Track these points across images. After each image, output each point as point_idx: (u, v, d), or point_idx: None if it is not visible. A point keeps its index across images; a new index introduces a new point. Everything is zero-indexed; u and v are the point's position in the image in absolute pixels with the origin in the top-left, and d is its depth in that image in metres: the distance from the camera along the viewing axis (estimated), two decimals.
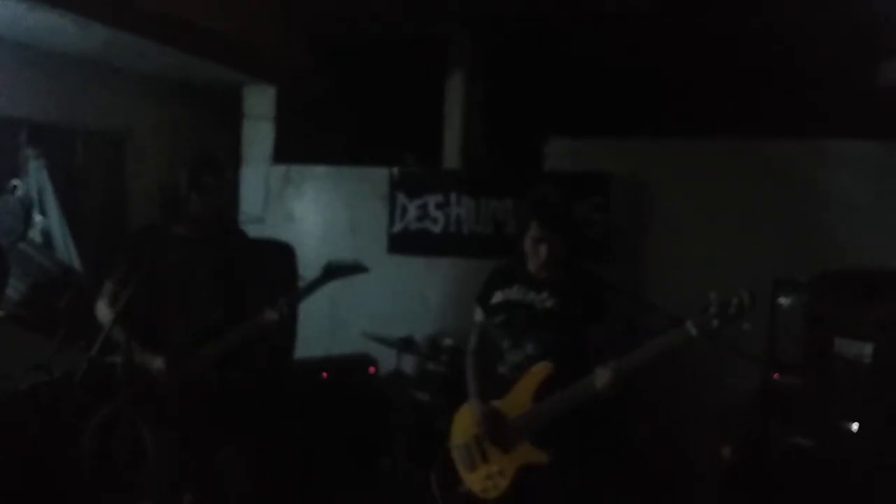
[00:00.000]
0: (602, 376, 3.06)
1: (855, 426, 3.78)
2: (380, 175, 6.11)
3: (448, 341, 4.91)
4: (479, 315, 3.55)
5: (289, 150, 6.50)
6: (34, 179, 5.04)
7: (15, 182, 5.00)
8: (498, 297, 3.43)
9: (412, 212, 6.02)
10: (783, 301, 4.57)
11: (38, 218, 5.00)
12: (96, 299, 3.56)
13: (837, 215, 5.15)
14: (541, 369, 3.22)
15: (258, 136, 6.52)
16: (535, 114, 6.29)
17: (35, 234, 5.00)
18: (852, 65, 5.53)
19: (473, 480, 3.40)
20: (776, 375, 4.45)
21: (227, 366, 3.40)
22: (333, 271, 3.58)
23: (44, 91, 5.20)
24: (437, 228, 5.96)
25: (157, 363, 3.34)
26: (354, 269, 3.65)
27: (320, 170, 6.37)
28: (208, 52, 5.43)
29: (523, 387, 3.26)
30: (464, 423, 3.49)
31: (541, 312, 3.28)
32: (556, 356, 3.22)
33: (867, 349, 3.78)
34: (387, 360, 5.14)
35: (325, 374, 5.01)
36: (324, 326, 5.85)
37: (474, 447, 3.40)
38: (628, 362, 3.07)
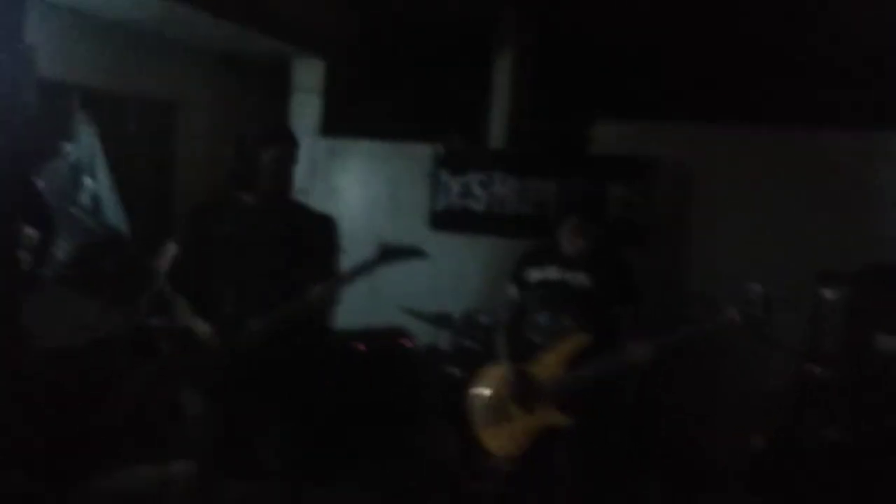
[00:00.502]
0: (638, 351, 3.28)
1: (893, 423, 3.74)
2: (424, 151, 6.12)
3: (484, 318, 4.92)
4: (512, 291, 3.71)
5: (336, 123, 6.55)
6: (85, 144, 5.15)
7: (67, 146, 5.11)
8: (536, 275, 3.62)
9: (455, 189, 6.03)
10: (826, 293, 4.51)
11: (88, 182, 5.12)
12: (151, 260, 3.59)
13: (885, 209, 5.04)
14: (577, 339, 3.43)
15: (306, 109, 6.56)
16: (582, 95, 6.25)
17: (85, 199, 5.12)
18: None
19: (491, 436, 3.58)
20: (814, 367, 4.40)
21: (273, 339, 3.37)
22: (388, 254, 3.49)
23: (96, 58, 5.30)
24: (479, 207, 5.96)
25: (205, 330, 3.34)
26: (412, 252, 3.55)
27: (365, 144, 6.41)
28: (259, 25, 5.48)
29: (557, 353, 3.45)
30: (488, 381, 3.67)
31: (578, 290, 3.49)
32: (591, 331, 3.42)
33: None
34: (424, 335, 5.18)
35: (362, 346, 5.06)
36: (362, 299, 5.88)
37: (497, 407, 3.56)
38: (666, 341, 3.29)
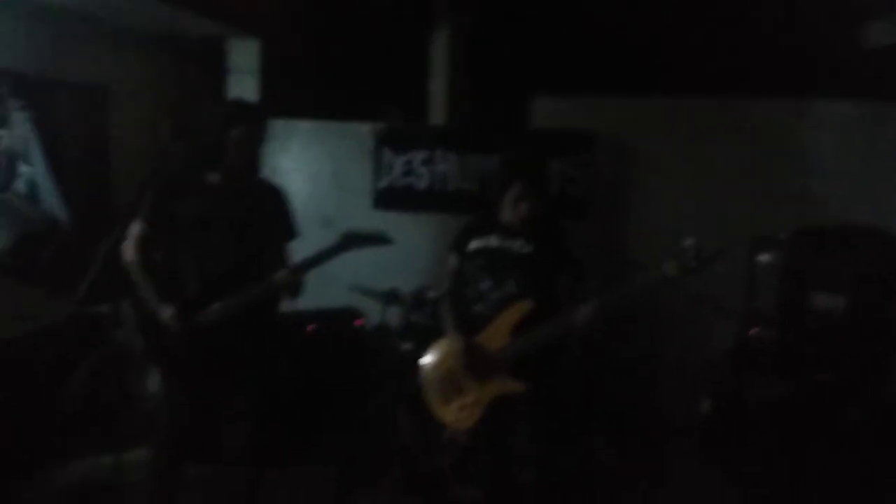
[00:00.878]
0: (583, 312, 3.33)
1: (828, 377, 3.90)
2: (365, 130, 6.11)
3: (433, 294, 4.96)
4: (452, 261, 3.76)
5: (274, 104, 6.48)
6: (19, 131, 5.02)
7: (0, 133, 4.98)
8: (476, 244, 3.66)
9: (398, 168, 6.04)
10: (762, 257, 4.66)
11: (23, 169, 4.99)
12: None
13: (817, 173, 5.23)
14: (522, 305, 3.46)
15: (243, 90, 6.45)
16: (520, 71, 6.30)
17: (20, 185, 5.00)
18: (837, 25, 5.57)
19: (446, 412, 3.60)
20: (753, 330, 4.56)
21: (237, 320, 3.37)
22: (352, 240, 3.54)
23: (25, 43, 5.15)
24: (422, 184, 5.99)
25: (166, 312, 3.31)
26: (376, 238, 3.62)
27: (306, 125, 6.36)
28: (193, 5, 5.39)
29: (503, 322, 3.49)
30: (437, 357, 3.69)
31: (519, 257, 3.55)
32: (534, 296, 3.48)
33: (841, 302, 3.88)
34: (373, 313, 5.20)
35: (311, 327, 5.06)
36: (311, 279, 5.88)
37: (448, 380, 3.59)
38: (608, 300, 3.36)
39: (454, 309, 3.70)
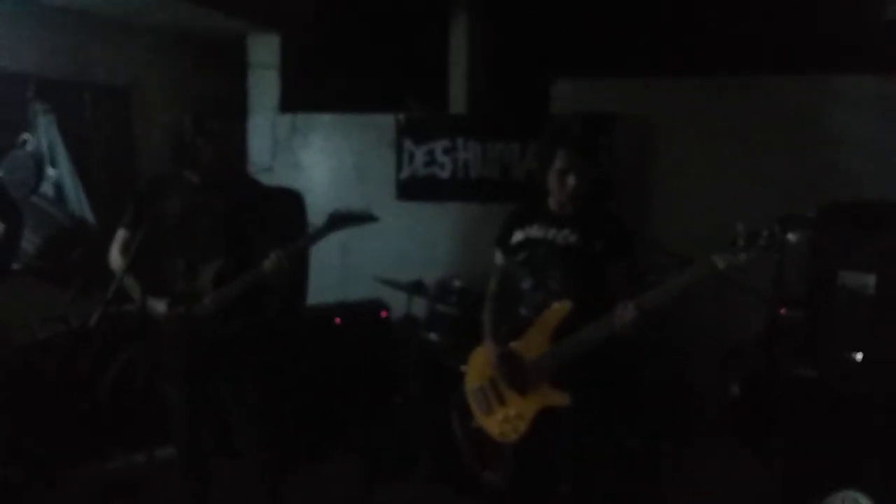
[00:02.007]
0: (624, 315, 2.94)
1: (858, 356, 3.83)
2: (386, 121, 6.12)
3: (457, 283, 4.96)
4: (499, 258, 3.46)
5: (295, 98, 6.50)
6: (44, 133, 5.10)
7: (25, 136, 5.05)
8: (518, 235, 3.33)
9: (419, 157, 6.04)
10: (790, 236, 4.58)
11: (49, 171, 5.06)
12: (109, 248, 3.57)
13: (842, 150, 5.15)
14: (558, 309, 3.14)
15: (264, 85, 6.51)
16: (540, 55, 6.26)
17: (47, 188, 5.07)
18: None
19: (491, 424, 3.33)
20: (783, 310, 4.49)
21: (233, 315, 3.40)
22: (338, 220, 3.48)
23: (49, 46, 5.22)
24: (444, 174, 5.99)
25: (160, 307, 3.36)
26: (361, 217, 3.53)
27: (327, 118, 6.38)
28: (211, 2, 5.42)
29: (540, 327, 3.18)
30: (478, 365, 3.44)
31: (563, 248, 3.19)
32: (577, 293, 3.13)
33: (870, 280, 3.81)
34: (398, 304, 5.22)
35: (338, 320, 5.08)
36: (335, 273, 5.92)
37: (490, 390, 3.34)
38: (651, 300, 2.95)
39: (495, 313, 3.43)
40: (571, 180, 3.16)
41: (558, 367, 3.13)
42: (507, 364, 3.24)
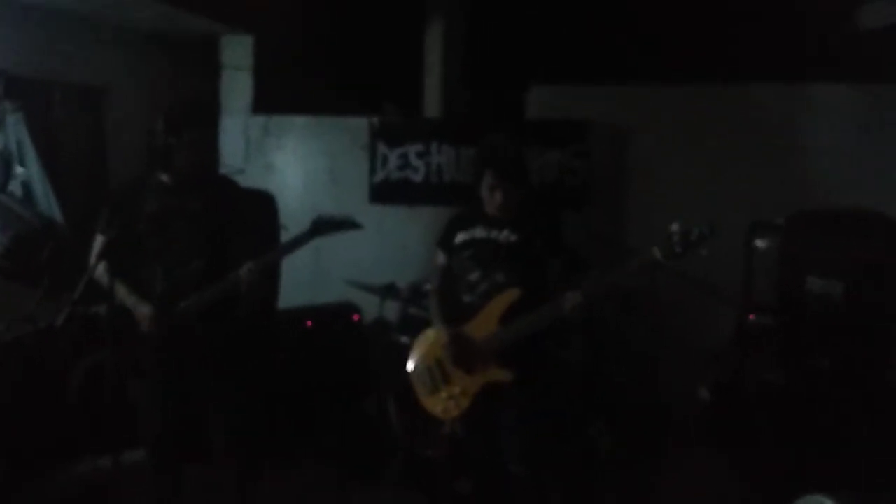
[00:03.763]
0: (571, 299, 3.24)
1: (826, 363, 3.88)
2: (360, 124, 6.10)
3: (429, 286, 4.95)
4: (441, 258, 3.69)
5: (268, 100, 6.47)
6: (12, 132, 5.03)
7: None
8: (462, 236, 3.58)
9: (393, 161, 6.03)
10: (759, 243, 4.63)
11: (18, 170, 4.99)
12: (87, 253, 3.50)
13: (816, 159, 5.21)
14: (508, 294, 3.40)
15: (237, 86, 6.46)
16: (515, 61, 6.28)
17: (15, 187, 5.01)
18: (833, 8, 5.53)
19: (434, 403, 3.56)
20: (752, 316, 4.54)
21: (208, 317, 3.38)
22: (322, 226, 3.51)
23: (19, 44, 5.15)
24: (418, 177, 5.99)
25: (144, 309, 3.33)
26: (344, 224, 3.57)
27: (300, 120, 6.35)
28: (185, 3, 5.38)
29: (490, 311, 3.43)
30: (424, 348, 3.66)
31: (505, 246, 3.47)
32: (521, 283, 3.40)
33: (838, 287, 3.86)
34: (370, 307, 5.20)
35: (309, 323, 5.05)
36: (307, 275, 5.89)
37: (436, 370, 3.55)
38: (596, 285, 3.28)
39: (442, 303, 3.64)
40: (499, 196, 3.46)
41: (505, 347, 3.38)
42: (457, 344, 3.46)
